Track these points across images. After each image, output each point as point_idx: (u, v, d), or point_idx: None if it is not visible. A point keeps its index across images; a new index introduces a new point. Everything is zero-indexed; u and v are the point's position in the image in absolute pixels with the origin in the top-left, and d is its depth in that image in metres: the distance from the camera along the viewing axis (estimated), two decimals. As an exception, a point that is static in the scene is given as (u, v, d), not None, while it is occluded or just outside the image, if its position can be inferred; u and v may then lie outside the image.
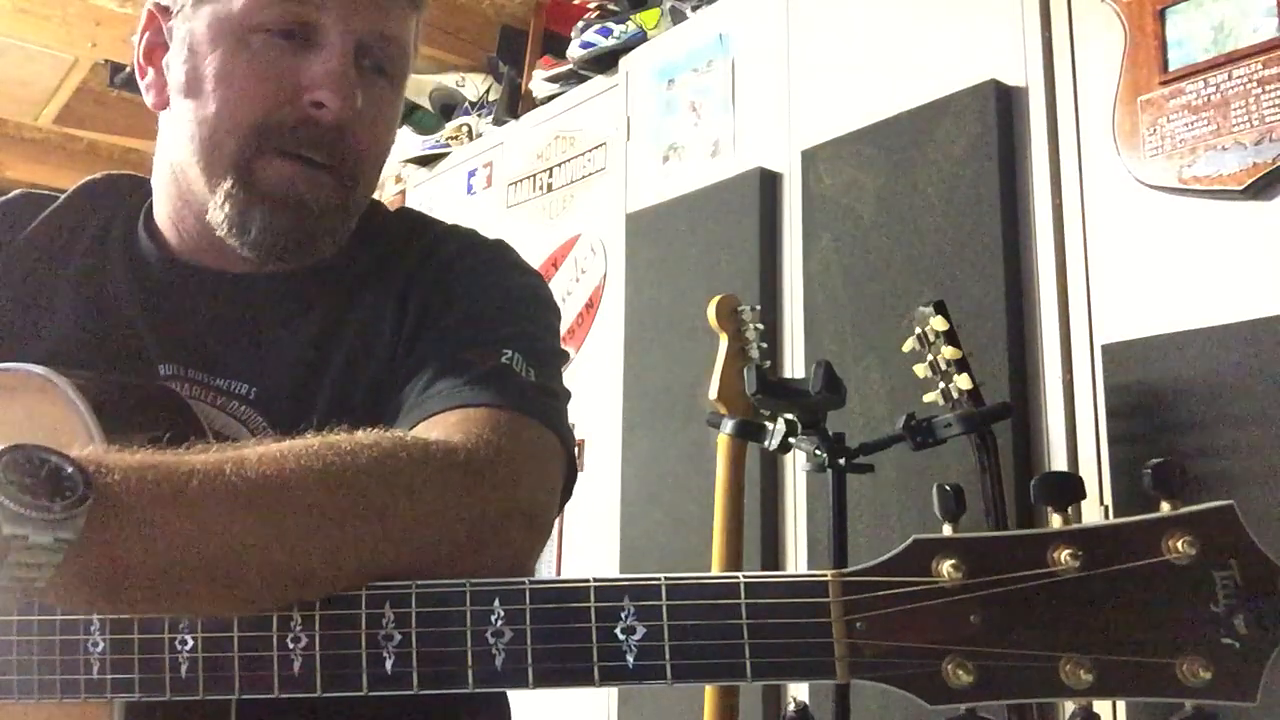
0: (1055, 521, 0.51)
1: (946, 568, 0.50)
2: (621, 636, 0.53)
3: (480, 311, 0.81)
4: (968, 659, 0.49)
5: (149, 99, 0.83)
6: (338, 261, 0.84)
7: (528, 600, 0.54)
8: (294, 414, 0.77)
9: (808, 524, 1.76)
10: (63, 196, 0.87)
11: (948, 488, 0.52)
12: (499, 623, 0.54)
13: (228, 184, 0.76)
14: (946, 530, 0.52)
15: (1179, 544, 0.48)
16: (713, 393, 1.54)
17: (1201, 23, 1.39)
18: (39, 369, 0.69)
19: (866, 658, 0.51)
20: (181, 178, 0.80)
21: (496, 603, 0.55)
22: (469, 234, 0.91)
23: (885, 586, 0.51)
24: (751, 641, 0.51)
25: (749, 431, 1.48)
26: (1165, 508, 0.50)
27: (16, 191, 0.88)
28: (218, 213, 0.77)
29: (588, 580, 0.54)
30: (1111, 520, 0.50)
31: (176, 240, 0.84)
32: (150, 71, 0.82)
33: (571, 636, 0.53)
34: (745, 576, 0.52)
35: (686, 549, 1.87)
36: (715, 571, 1.47)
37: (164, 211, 0.84)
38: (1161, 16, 1.42)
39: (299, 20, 0.75)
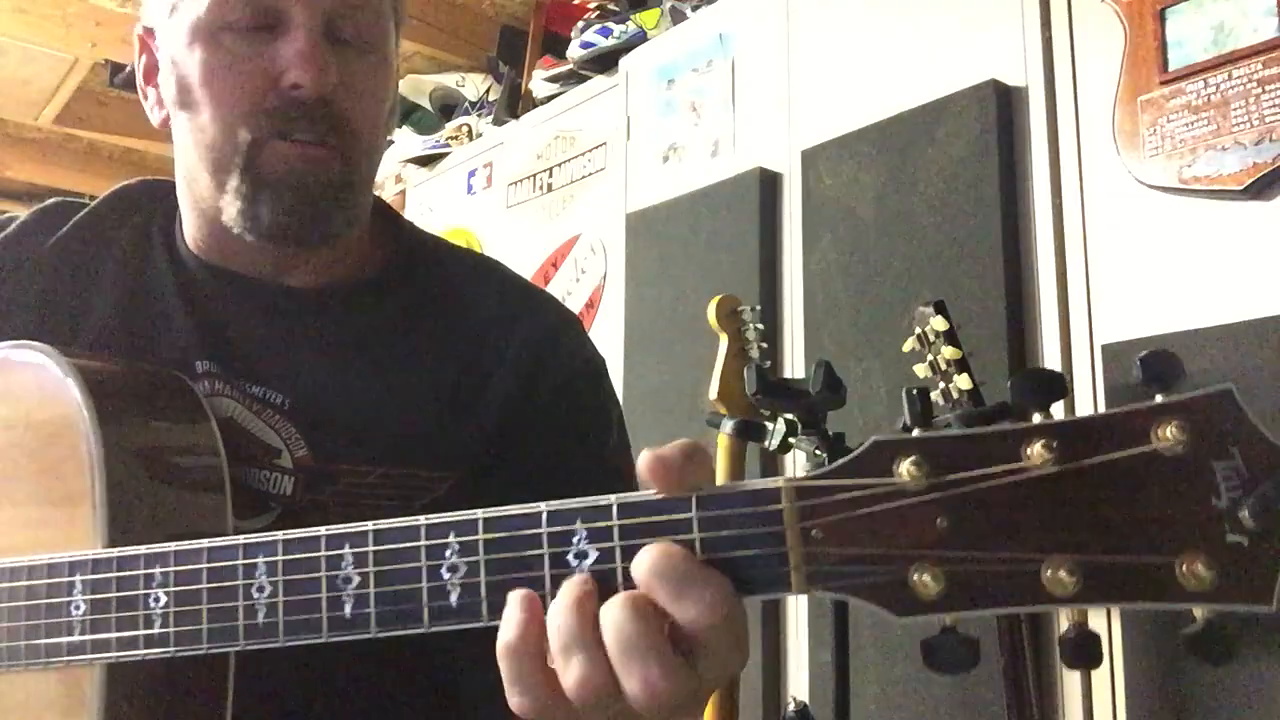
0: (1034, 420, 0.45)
1: (907, 468, 0.45)
2: (574, 561, 0.51)
3: (605, 484, 0.86)
4: (936, 565, 0.45)
5: (153, 119, 0.84)
6: (376, 280, 0.86)
7: (480, 531, 0.53)
8: (326, 428, 0.79)
9: (808, 524, 1.75)
10: (98, 200, 0.89)
11: (914, 391, 0.48)
12: (453, 557, 0.53)
13: (234, 181, 0.77)
14: (915, 433, 0.47)
15: (1169, 432, 0.43)
16: (713, 393, 1.54)
17: (1201, 23, 1.39)
18: (37, 345, 0.72)
19: (824, 567, 0.47)
20: (194, 186, 0.82)
21: (452, 535, 0.53)
22: (574, 344, 0.92)
23: (842, 490, 0.46)
24: (705, 556, 0.49)
25: (749, 431, 1.48)
26: (1158, 400, 0.44)
27: (53, 200, 0.90)
28: (230, 209, 0.78)
29: (540, 506, 0.53)
30: (1092, 412, 0.44)
31: (200, 248, 0.85)
32: (151, 92, 0.84)
33: (525, 566, 0.52)
34: (697, 491, 0.50)
35: (686, 549, 1.87)
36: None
37: (187, 221, 0.85)
38: (1161, 16, 1.42)
39: (263, 9, 0.76)
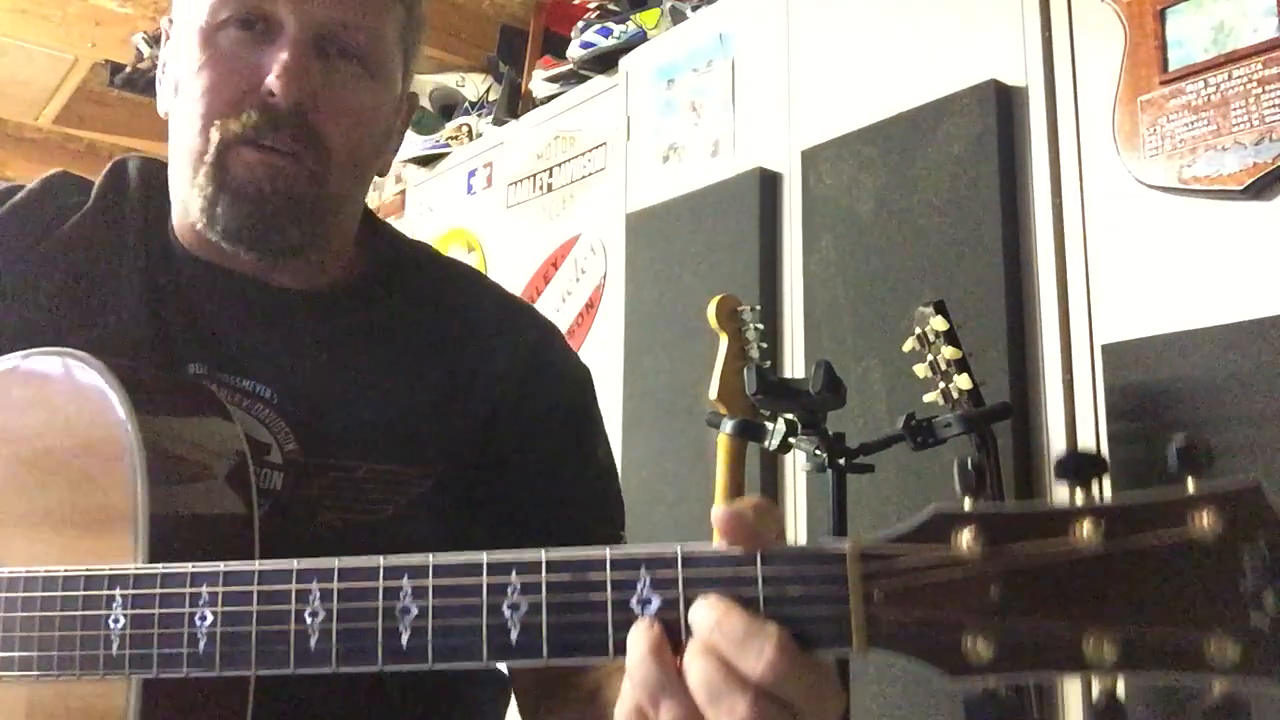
0: (1077, 500, 0.49)
1: (965, 539, 0.48)
2: (637, 608, 0.52)
3: (597, 485, 0.93)
4: (988, 631, 0.48)
5: (159, 108, 0.85)
6: (361, 283, 0.87)
7: (544, 572, 0.54)
8: (314, 423, 0.80)
9: (808, 524, 1.76)
10: (99, 181, 0.88)
11: (968, 462, 0.51)
12: (515, 595, 0.54)
13: (200, 178, 0.78)
14: (967, 505, 0.50)
15: (1204, 520, 0.46)
16: (713, 393, 1.54)
17: (1201, 23, 1.39)
18: (77, 353, 0.71)
19: (884, 629, 0.49)
20: (174, 177, 0.83)
21: (513, 574, 0.54)
22: (562, 351, 0.95)
23: (904, 556, 0.49)
24: (769, 611, 0.50)
25: (749, 431, 1.48)
26: (1190, 487, 0.48)
27: (56, 171, 0.90)
28: (194, 206, 0.79)
29: (603, 551, 0.53)
30: (1136, 496, 0.48)
31: (188, 241, 0.85)
32: (164, 81, 0.85)
33: (586, 609, 0.53)
34: (763, 548, 0.51)
35: (686, 549, 1.88)
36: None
37: (175, 212, 0.86)
38: (1161, 16, 1.42)
39: (257, 11, 0.77)
